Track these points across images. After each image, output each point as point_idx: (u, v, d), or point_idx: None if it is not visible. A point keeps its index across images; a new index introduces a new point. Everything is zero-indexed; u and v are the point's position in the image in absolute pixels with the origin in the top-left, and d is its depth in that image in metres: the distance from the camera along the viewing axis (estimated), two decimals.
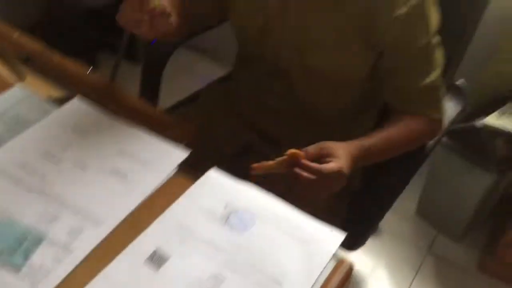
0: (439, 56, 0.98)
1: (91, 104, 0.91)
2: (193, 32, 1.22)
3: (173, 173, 0.80)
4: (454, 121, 1.24)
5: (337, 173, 0.84)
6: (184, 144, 0.84)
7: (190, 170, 0.81)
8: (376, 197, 1.14)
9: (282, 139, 1.12)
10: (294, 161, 0.82)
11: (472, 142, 1.53)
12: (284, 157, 0.83)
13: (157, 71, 1.27)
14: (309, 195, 0.84)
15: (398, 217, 1.75)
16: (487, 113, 1.56)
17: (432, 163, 1.66)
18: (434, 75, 0.97)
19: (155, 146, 0.83)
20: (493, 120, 1.51)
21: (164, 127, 0.88)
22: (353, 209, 1.14)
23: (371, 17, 0.91)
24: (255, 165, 0.83)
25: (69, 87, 0.96)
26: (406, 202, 1.68)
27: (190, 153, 0.82)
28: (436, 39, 0.96)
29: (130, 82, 2.18)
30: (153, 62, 1.28)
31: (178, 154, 0.82)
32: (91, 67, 1.06)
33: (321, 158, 0.85)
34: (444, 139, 1.54)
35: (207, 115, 1.20)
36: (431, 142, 1.11)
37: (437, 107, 1.02)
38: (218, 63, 1.97)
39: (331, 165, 0.84)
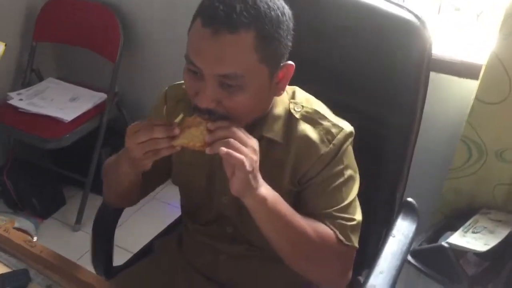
0: (349, 189, 1.01)
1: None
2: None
3: None
4: (414, 239, 1.22)
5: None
6: None
7: None
8: None
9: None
10: None
11: (440, 263, 1.50)
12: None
13: (108, 232, 1.27)
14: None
15: None
16: (451, 230, 1.55)
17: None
18: (346, 205, 1.00)
19: None
20: (458, 238, 1.50)
21: None
22: None
23: (299, 158, 0.99)
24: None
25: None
26: None
27: None
28: (349, 172, 1.01)
29: None
30: (103, 223, 1.27)
31: None
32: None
33: None
34: (410, 260, 1.50)
35: (163, 273, 1.18)
36: None
37: (344, 233, 1.00)
38: None
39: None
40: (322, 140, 0.98)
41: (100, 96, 2.18)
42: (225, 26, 0.82)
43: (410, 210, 1.27)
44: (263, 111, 0.98)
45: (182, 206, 1.22)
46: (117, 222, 1.27)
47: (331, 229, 0.98)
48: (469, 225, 1.54)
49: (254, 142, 0.87)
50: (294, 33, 0.93)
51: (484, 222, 1.55)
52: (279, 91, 0.96)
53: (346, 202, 1.00)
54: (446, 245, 1.47)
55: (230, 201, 1.05)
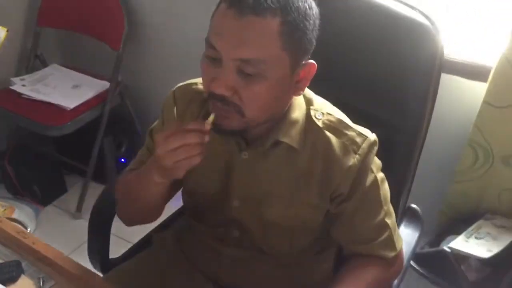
0: (385, 192, 0.99)
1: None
2: None
3: None
4: (418, 243, 1.20)
5: None
6: None
7: None
8: None
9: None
10: None
11: (441, 267, 1.47)
12: None
13: (105, 225, 1.25)
14: None
15: None
16: (455, 234, 1.53)
17: None
18: (383, 213, 0.99)
19: None
20: (460, 243, 1.47)
21: None
22: None
23: (326, 170, 0.94)
24: None
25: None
26: None
27: None
28: (380, 176, 0.98)
29: None
30: (100, 216, 1.26)
31: None
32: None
33: None
34: (412, 263, 1.47)
35: (161, 269, 1.15)
36: None
37: (390, 245, 1.00)
38: None
39: None
40: (348, 151, 0.93)
41: (103, 85, 2.15)
42: (251, 9, 0.79)
43: (413, 217, 1.24)
44: (279, 111, 0.93)
45: (186, 205, 1.16)
46: (114, 215, 1.25)
47: (377, 255, 0.99)
48: (472, 230, 1.51)
49: None
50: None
51: (488, 228, 1.52)
52: (298, 91, 0.92)
53: (385, 208, 0.99)
54: (447, 249, 1.45)
55: (241, 204, 1.01)
